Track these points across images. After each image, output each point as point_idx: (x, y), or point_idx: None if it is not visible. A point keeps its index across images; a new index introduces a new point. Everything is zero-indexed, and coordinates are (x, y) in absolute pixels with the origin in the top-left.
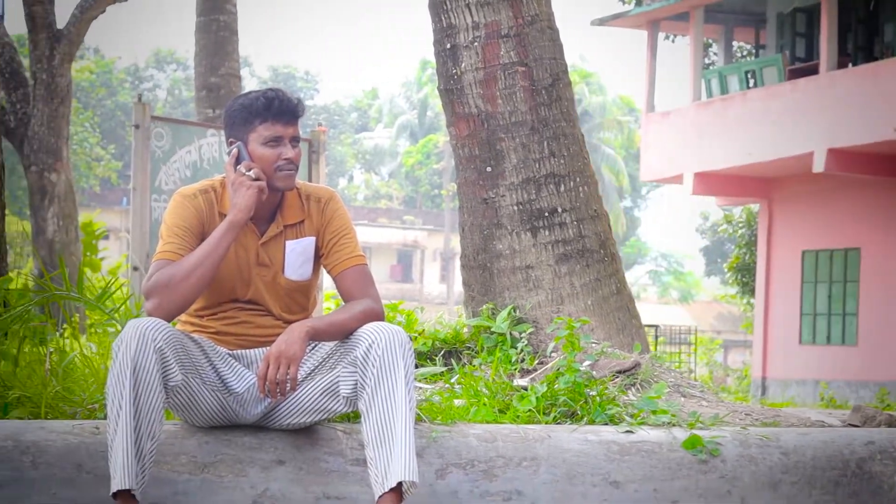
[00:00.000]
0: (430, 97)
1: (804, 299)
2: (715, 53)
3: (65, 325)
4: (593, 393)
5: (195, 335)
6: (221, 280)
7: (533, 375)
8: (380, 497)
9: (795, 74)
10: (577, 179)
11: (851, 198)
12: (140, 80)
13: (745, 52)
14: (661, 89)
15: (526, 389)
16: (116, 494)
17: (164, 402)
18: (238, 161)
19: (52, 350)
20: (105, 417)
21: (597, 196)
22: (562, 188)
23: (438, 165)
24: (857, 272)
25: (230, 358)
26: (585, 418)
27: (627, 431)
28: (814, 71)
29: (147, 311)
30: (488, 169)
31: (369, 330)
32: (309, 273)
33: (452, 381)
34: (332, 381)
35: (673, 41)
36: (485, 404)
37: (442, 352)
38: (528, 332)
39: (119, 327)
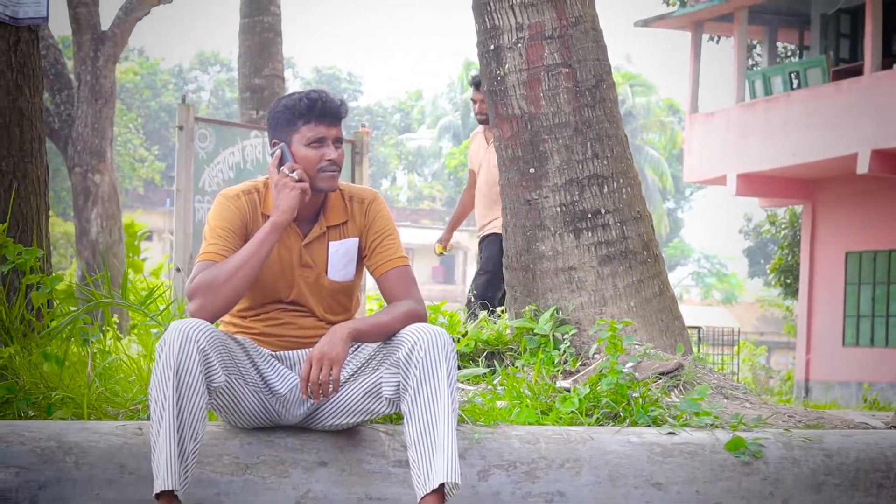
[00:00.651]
0: None
1: (847, 301)
2: (759, 54)
3: (107, 327)
4: (636, 395)
5: (238, 336)
6: (264, 281)
7: (575, 377)
8: (422, 498)
9: (839, 76)
10: (621, 181)
11: (895, 199)
12: (184, 82)
13: (789, 53)
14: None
15: (568, 391)
16: (159, 495)
17: (207, 403)
18: (281, 162)
19: (94, 351)
20: (148, 418)
21: (640, 197)
22: (605, 189)
23: None
24: None
25: (273, 359)
26: (628, 420)
27: (670, 433)
28: (858, 72)
29: (190, 312)
30: (531, 170)
31: (412, 331)
32: (352, 274)
33: (495, 382)
34: (374, 382)
35: (717, 42)
36: (527, 406)
37: (484, 353)
38: (570, 333)
39: (162, 328)
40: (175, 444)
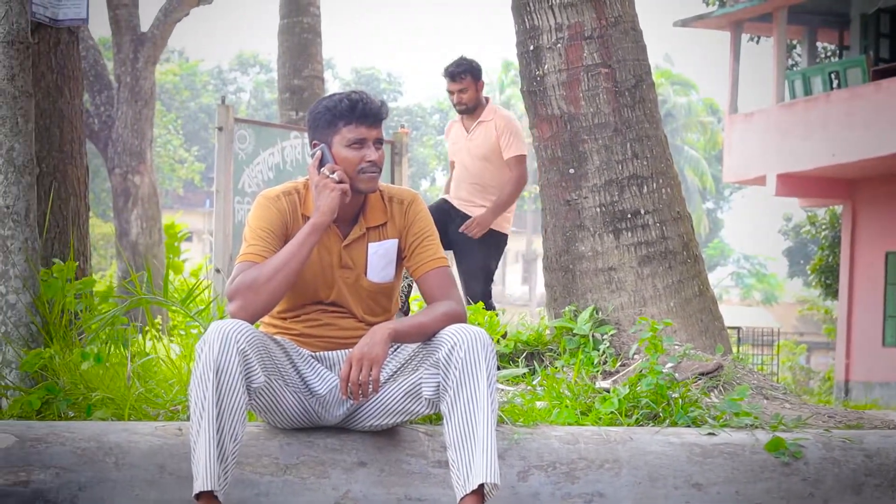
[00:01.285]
0: (512, 98)
1: (888, 301)
2: (798, 54)
3: (147, 327)
4: (676, 395)
5: (278, 337)
6: (304, 282)
7: (615, 377)
8: (461, 499)
9: (879, 75)
10: (660, 181)
11: None
12: (223, 83)
13: (828, 53)
14: (744, 90)
15: (608, 391)
16: (199, 496)
17: (247, 404)
18: (322, 163)
19: (134, 352)
20: (188, 419)
21: (680, 197)
22: (645, 190)
23: None
24: None
25: (313, 360)
26: (668, 420)
27: (710, 434)
28: None
29: (230, 313)
30: (571, 171)
31: (452, 332)
32: (391, 275)
33: (534, 382)
34: (414, 382)
35: (756, 42)
36: (567, 406)
37: (524, 353)
38: (610, 333)
39: (202, 329)
40: (215, 444)
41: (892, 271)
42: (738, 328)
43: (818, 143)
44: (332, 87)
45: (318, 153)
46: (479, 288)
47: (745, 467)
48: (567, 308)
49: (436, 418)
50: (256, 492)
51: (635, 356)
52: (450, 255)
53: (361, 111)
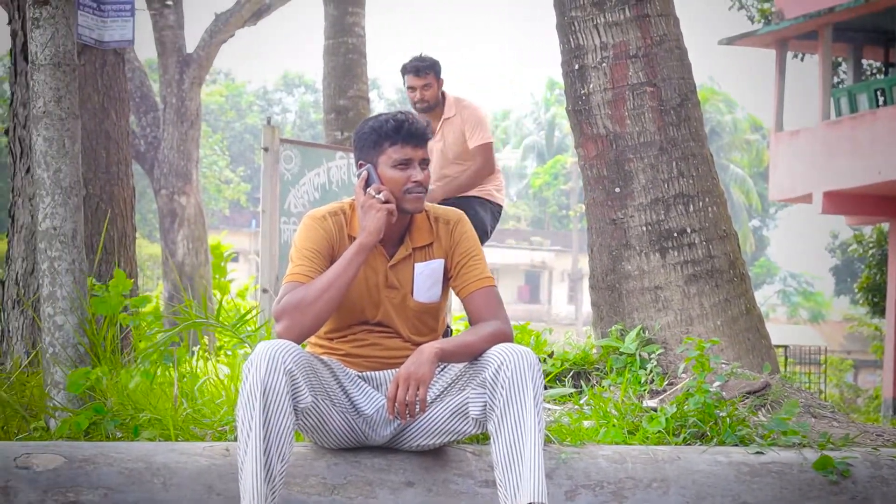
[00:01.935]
0: (557, 118)
1: None
2: (844, 72)
3: (196, 348)
4: (723, 414)
5: (325, 357)
6: (351, 302)
7: (662, 396)
8: None
9: None
10: (706, 199)
11: None
12: (269, 103)
13: (874, 71)
14: (789, 108)
15: (655, 410)
16: None
17: (294, 424)
18: (368, 183)
19: (182, 373)
20: (235, 439)
21: (726, 216)
22: (691, 208)
23: (566, 186)
24: None
25: (359, 380)
26: (715, 439)
27: (758, 452)
28: None
29: (277, 333)
30: (617, 189)
31: (498, 351)
32: (438, 295)
33: (581, 402)
34: (461, 402)
35: (801, 60)
36: (614, 425)
37: (571, 373)
38: (657, 352)
39: (249, 349)
40: (262, 465)
41: None
42: (786, 346)
43: (864, 161)
44: (378, 107)
45: (364, 173)
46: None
47: (793, 486)
48: (614, 327)
49: (483, 438)
50: None
51: (682, 375)
52: (496, 274)
53: (407, 131)
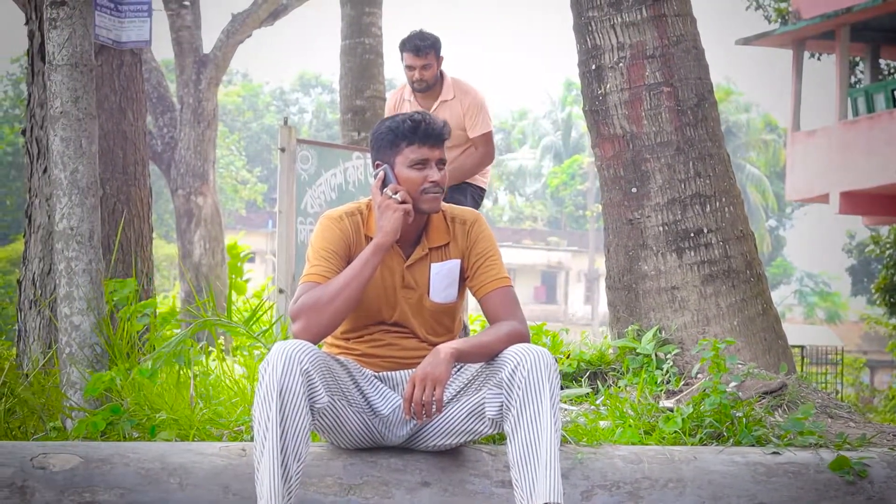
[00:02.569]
0: (574, 118)
1: None
2: (861, 72)
3: (211, 348)
4: (739, 414)
5: (341, 357)
6: (367, 302)
7: (679, 396)
8: None
9: None
10: (723, 199)
11: None
12: (285, 104)
13: (891, 70)
14: (806, 108)
15: (672, 411)
16: None
17: (311, 424)
18: (384, 184)
19: (198, 373)
20: (252, 439)
21: (743, 216)
22: (707, 208)
23: (583, 186)
24: None
25: (376, 380)
26: (732, 440)
27: (774, 453)
28: None
29: (294, 333)
30: (633, 190)
31: (515, 351)
32: (454, 295)
33: (598, 402)
34: (477, 402)
35: (818, 59)
36: (630, 426)
37: (587, 373)
38: (673, 353)
39: (265, 350)
40: (278, 465)
41: None
42: (802, 347)
43: (881, 161)
44: None
45: (381, 174)
46: None
47: (810, 486)
48: (630, 327)
49: (499, 438)
50: None
51: (699, 375)
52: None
53: (424, 132)
